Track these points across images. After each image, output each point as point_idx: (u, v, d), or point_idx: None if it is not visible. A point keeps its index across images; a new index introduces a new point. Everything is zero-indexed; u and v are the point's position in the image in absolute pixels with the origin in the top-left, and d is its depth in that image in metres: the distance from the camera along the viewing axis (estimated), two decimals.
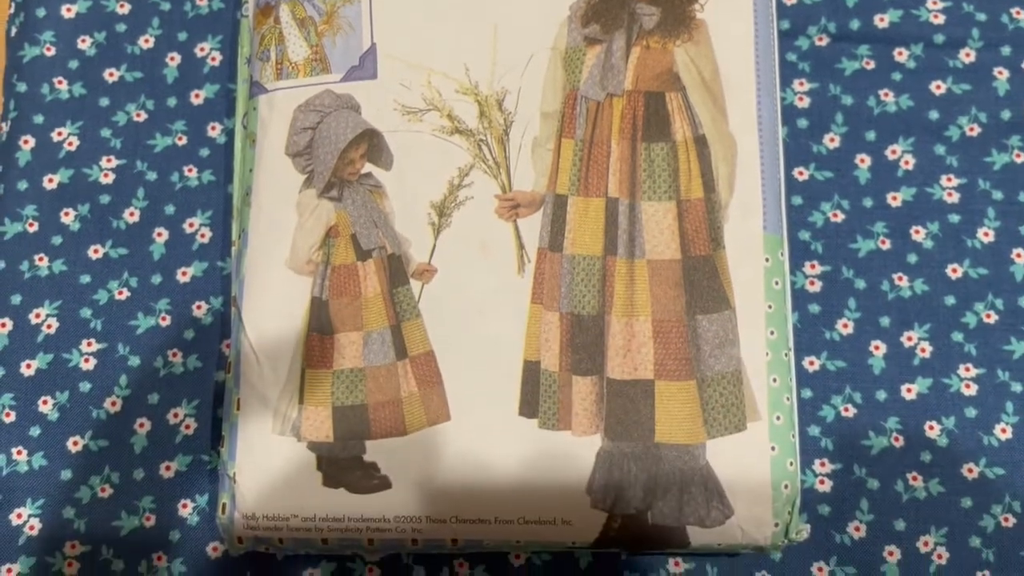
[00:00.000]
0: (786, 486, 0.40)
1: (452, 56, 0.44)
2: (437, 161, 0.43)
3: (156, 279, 0.47)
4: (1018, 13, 0.49)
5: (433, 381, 0.41)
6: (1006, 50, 0.48)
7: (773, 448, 0.40)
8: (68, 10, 0.50)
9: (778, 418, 0.41)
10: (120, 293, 0.47)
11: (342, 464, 0.40)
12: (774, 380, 0.41)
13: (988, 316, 0.45)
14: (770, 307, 0.41)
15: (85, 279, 0.47)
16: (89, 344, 0.46)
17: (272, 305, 0.42)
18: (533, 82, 0.43)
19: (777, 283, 0.42)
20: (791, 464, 0.40)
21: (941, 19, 0.49)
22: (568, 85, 0.43)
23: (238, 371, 0.42)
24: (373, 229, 0.42)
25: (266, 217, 0.43)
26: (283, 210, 0.43)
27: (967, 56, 0.48)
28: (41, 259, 0.46)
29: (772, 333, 0.41)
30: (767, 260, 0.42)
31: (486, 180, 0.43)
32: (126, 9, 0.50)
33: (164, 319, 0.46)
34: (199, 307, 0.46)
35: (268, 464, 0.41)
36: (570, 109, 0.43)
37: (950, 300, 0.46)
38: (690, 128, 0.43)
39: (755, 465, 0.40)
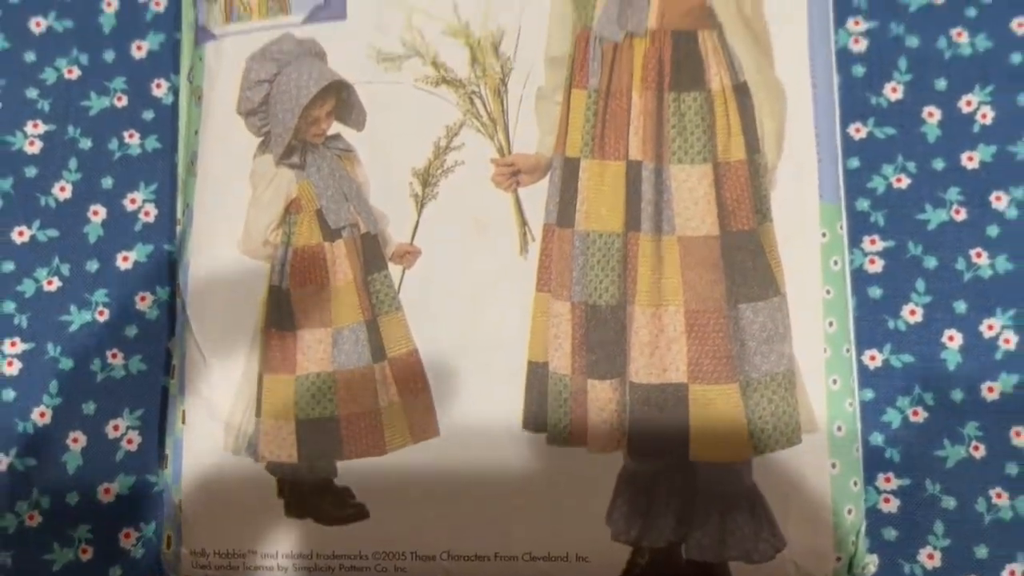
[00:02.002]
0: (850, 511, 0.33)
1: None
2: (420, 118, 0.36)
3: (92, 266, 0.40)
4: None
5: (418, 388, 0.34)
6: None
7: (834, 465, 0.34)
8: None
9: (839, 428, 0.34)
10: (49, 283, 0.40)
11: (309, 489, 0.34)
12: (834, 382, 0.34)
13: None
14: (828, 292, 0.34)
15: (8, 267, 0.40)
16: (13, 345, 0.39)
17: (222, 296, 0.36)
18: (536, 20, 0.37)
19: (836, 263, 0.35)
20: (855, 484, 0.34)
21: None
22: (579, 23, 0.36)
23: (183, 376, 0.35)
24: (343, 203, 0.35)
25: (214, 189, 0.36)
26: (234, 180, 0.36)
27: None
28: None
29: (831, 325, 0.34)
30: (824, 235, 0.35)
31: (480, 141, 0.36)
32: None
33: (101, 313, 0.39)
34: (143, 299, 0.39)
35: (220, 489, 0.35)
36: (582, 53, 0.36)
37: None
38: (728, 74, 0.35)
39: (812, 486, 0.33)
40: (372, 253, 0.35)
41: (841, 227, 0.36)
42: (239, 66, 0.36)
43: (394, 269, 0.35)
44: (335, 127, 0.36)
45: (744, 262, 0.34)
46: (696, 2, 0.36)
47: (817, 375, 0.34)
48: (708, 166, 0.35)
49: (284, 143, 0.36)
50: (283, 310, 0.35)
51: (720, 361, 0.34)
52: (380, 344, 0.35)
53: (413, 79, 0.36)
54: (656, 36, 0.36)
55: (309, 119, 0.36)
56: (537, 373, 0.34)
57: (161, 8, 0.42)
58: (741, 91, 0.35)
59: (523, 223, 0.35)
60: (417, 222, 0.35)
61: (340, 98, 0.36)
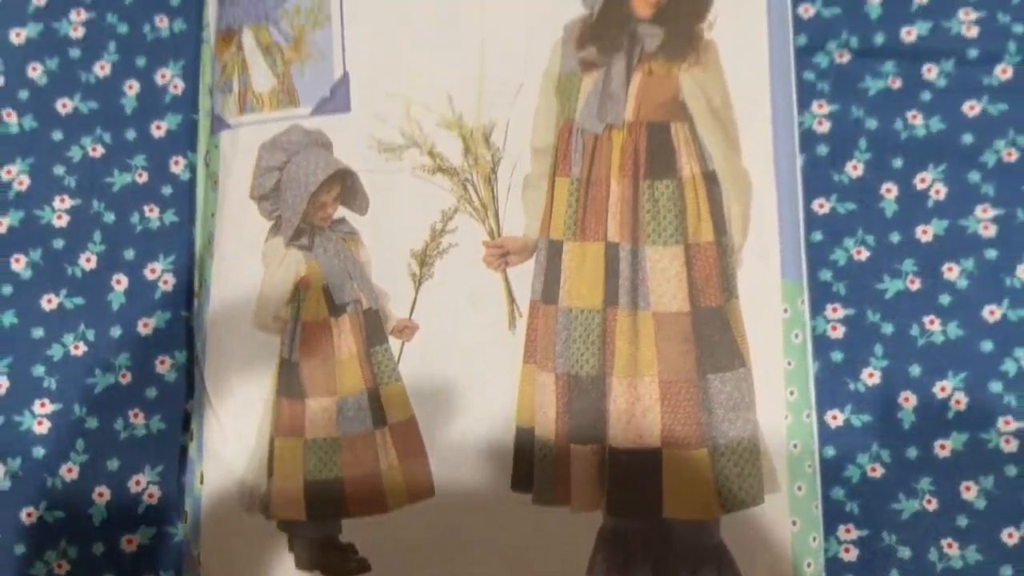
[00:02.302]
0: (809, 564, 0.36)
1: (434, 84, 0.39)
2: (418, 204, 0.39)
3: (115, 331, 0.43)
4: None
5: (415, 452, 0.37)
6: None
7: (794, 523, 0.36)
8: (17, 35, 0.46)
9: (799, 488, 0.37)
10: (76, 348, 0.43)
11: (316, 545, 0.37)
12: (795, 446, 0.37)
13: None
14: (790, 364, 0.37)
15: (38, 333, 0.43)
16: (43, 405, 0.42)
17: (237, 367, 0.38)
18: (523, 113, 0.39)
19: (797, 336, 0.38)
20: (814, 539, 0.37)
21: (974, 32, 0.44)
22: (562, 116, 0.39)
23: (201, 439, 0.38)
24: (347, 281, 0.38)
25: (229, 268, 0.39)
26: (248, 260, 0.39)
27: (1003, 73, 0.44)
28: None
29: (792, 393, 0.37)
30: (786, 310, 0.38)
31: (472, 224, 0.38)
32: (80, 33, 0.46)
33: (124, 376, 0.42)
34: (162, 362, 0.42)
35: (235, 543, 0.37)
36: (565, 143, 0.39)
37: (987, 346, 0.41)
38: (698, 163, 0.38)
39: (775, 542, 0.36)
40: (374, 328, 0.38)
41: (802, 302, 0.39)
42: (252, 154, 0.39)
43: (394, 342, 0.38)
44: (340, 211, 0.39)
45: (712, 336, 0.37)
46: (669, 96, 0.39)
47: (779, 440, 0.37)
48: (680, 247, 0.38)
49: (294, 226, 0.39)
50: (292, 379, 0.38)
51: (691, 428, 0.37)
52: (381, 412, 0.37)
53: (411, 167, 0.39)
54: (633, 128, 0.39)
55: (316, 204, 0.39)
56: (524, 438, 0.37)
57: (179, 91, 0.45)
58: (710, 179, 0.38)
59: (511, 300, 0.38)
60: (415, 299, 0.38)
61: (345, 185, 0.39)
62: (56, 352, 0.43)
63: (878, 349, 0.42)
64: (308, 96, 0.40)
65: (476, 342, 0.38)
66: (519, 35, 0.39)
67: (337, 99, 0.39)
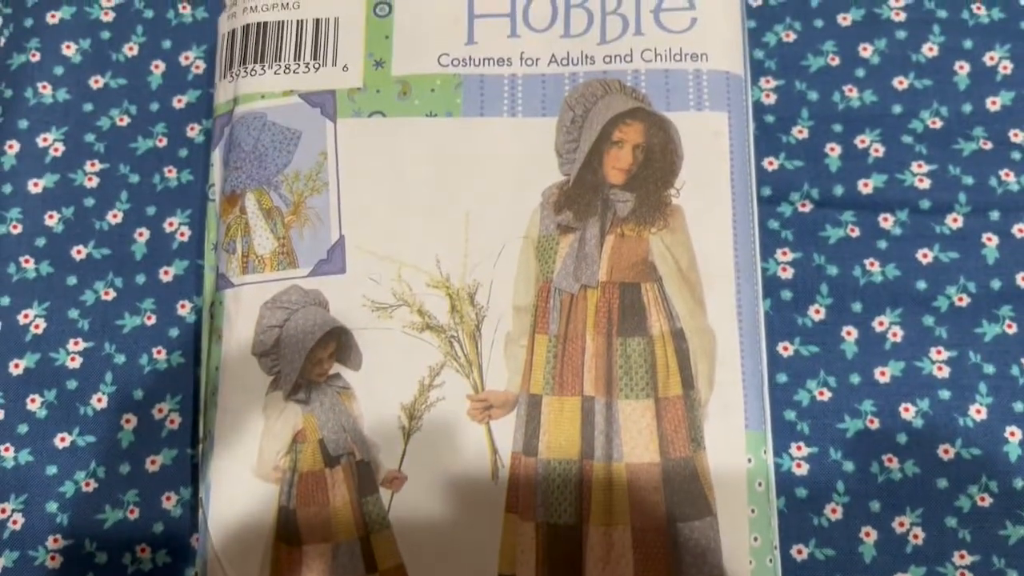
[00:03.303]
0: None
1: (423, 247, 0.43)
2: (407, 360, 0.41)
3: (124, 469, 0.45)
4: (1007, 175, 0.47)
5: None
6: (995, 215, 0.47)
7: None
8: (35, 184, 0.49)
9: None
10: (87, 485, 0.45)
11: None
12: None
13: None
14: (753, 511, 0.40)
15: (51, 471, 0.45)
16: (55, 540, 0.45)
17: (239, 513, 0.41)
18: (505, 273, 0.42)
19: (760, 484, 0.41)
20: None
21: (927, 183, 0.48)
22: (541, 277, 0.42)
23: None
24: (342, 434, 0.41)
25: (232, 420, 0.42)
26: (250, 413, 0.41)
27: (954, 222, 0.47)
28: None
29: (756, 540, 0.40)
30: (749, 460, 0.41)
31: (458, 379, 0.41)
32: (94, 183, 0.49)
33: (132, 512, 0.45)
34: (168, 498, 0.45)
35: None
36: (543, 302, 0.42)
37: (942, 483, 0.44)
38: (667, 321, 0.41)
39: None
40: (366, 478, 0.41)
41: (765, 452, 0.41)
42: (254, 312, 0.42)
43: (384, 492, 0.41)
44: (335, 367, 0.42)
45: (681, 486, 0.40)
46: (640, 258, 0.42)
47: None
48: (650, 401, 0.41)
49: (292, 381, 0.41)
50: (290, 527, 0.40)
51: (661, 574, 0.39)
52: (372, 558, 0.40)
53: (402, 325, 0.42)
54: (606, 288, 0.42)
55: (313, 360, 0.42)
56: None
57: (186, 238, 0.48)
58: (678, 336, 0.41)
59: (494, 451, 0.41)
60: (404, 451, 0.41)
61: (340, 342, 0.42)
62: (68, 489, 0.45)
63: (840, 486, 0.44)
64: (306, 258, 0.43)
65: (461, 493, 0.40)
66: (501, 201, 0.43)
67: (333, 261, 0.43)
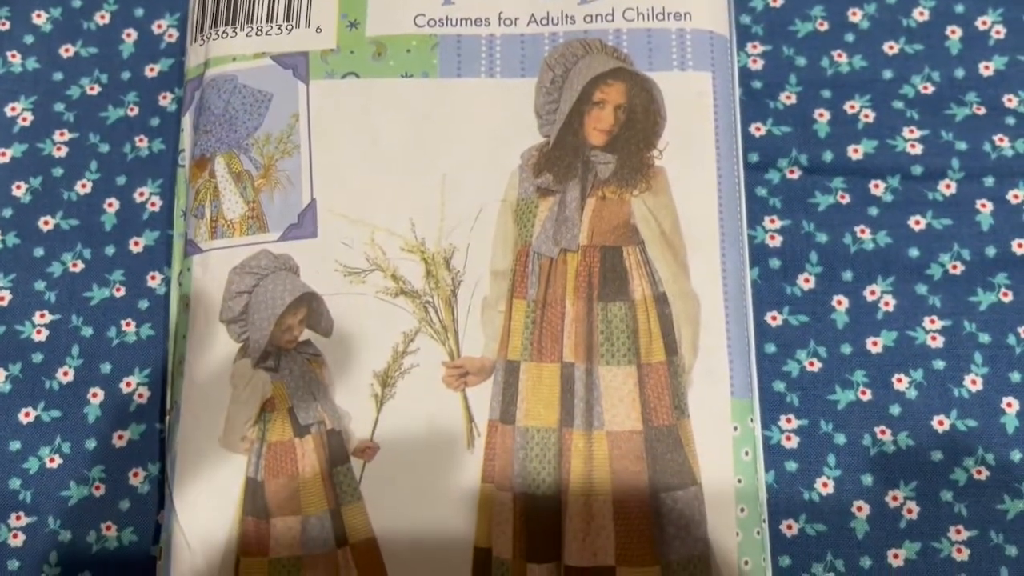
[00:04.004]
0: None
1: (397, 211, 0.41)
2: (380, 326, 0.40)
3: (90, 444, 0.44)
4: (1001, 140, 0.46)
5: (377, 572, 0.38)
6: (989, 181, 0.46)
7: None
8: (2, 155, 0.48)
9: None
10: (51, 461, 0.44)
11: None
12: (745, 562, 0.38)
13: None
14: (739, 481, 0.39)
15: (15, 446, 0.44)
16: (18, 518, 0.43)
17: (205, 487, 0.39)
18: (483, 237, 0.41)
19: (747, 454, 0.39)
20: None
21: (919, 149, 0.46)
22: (520, 240, 0.41)
23: (169, 559, 0.39)
24: (311, 402, 0.39)
25: (199, 390, 0.40)
26: (217, 382, 0.40)
27: (947, 188, 0.46)
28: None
29: (743, 511, 0.38)
30: (735, 428, 0.39)
31: (433, 346, 0.40)
32: (63, 152, 0.48)
33: (98, 488, 0.43)
34: (136, 474, 0.43)
35: None
36: (522, 267, 0.40)
37: (937, 456, 0.43)
38: (649, 286, 0.40)
39: None
40: (336, 448, 0.39)
41: (752, 420, 0.40)
42: (222, 278, 0.41)
43: (356, 462, 0.39)
44: (306, 334, 0.40)
45: (664, 455, 0.39)
46: (621, 221, 0.41)
47: (730, 557, 0.38)
48: (632, 367, 0.39)
49: (261, 348, 0.40)
50: (258, 499, 0.39)
51: (644, 546, 0.38)
52: (343, 531, 0.38)
53: (375, 291, 0.41)
54: (587, 252, 0.40)
55: (283, 327, 0.40)
56: (482, 558, 0.38)
57: (157, 208, 0.47)
58: (661, 301, 0.40)
59: (470, 420, 0.39)
60: (376, 419, 0.39)
61: (310, 308, 0.41)
62: (32, 465, 0.44)
63: (831, 459, 0.43)
64: (277, 222, 0.41)
65: (435, 462, 0.39)
66: (479, 163, 0.41)
67: (304, 225, 0.41)
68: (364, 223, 0.41)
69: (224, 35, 0.44)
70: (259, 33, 0.43)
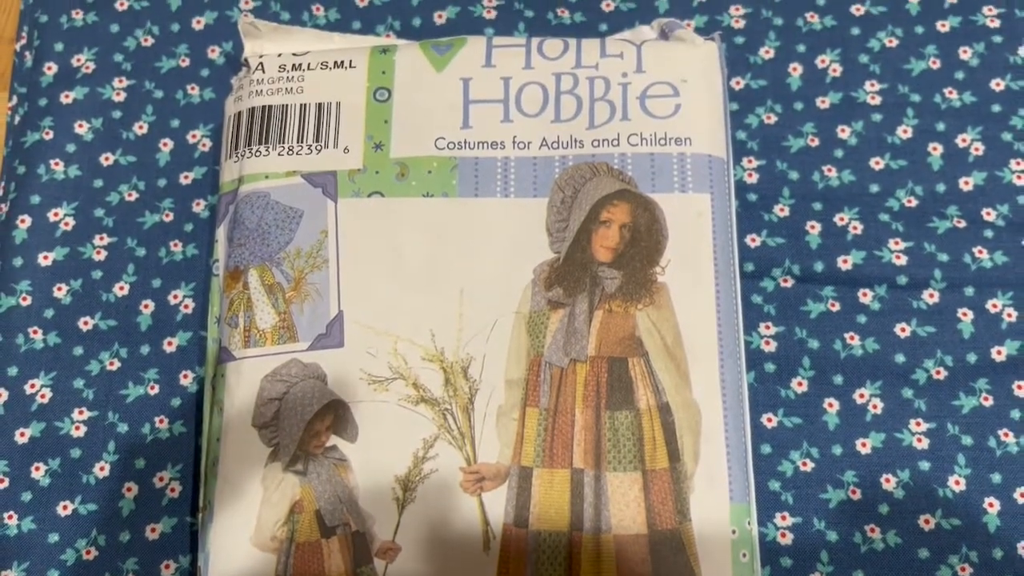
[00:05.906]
0: None
1: (418, 322, 0.44)
2: (402, 432, 0.43)
3: (125, 536, 0.46)
4: (980, 252, 0.49)
5: None
6: (969, 291, 0.49)
7: None
8: (45, 258, 0.51)
9: None
10: (88, 553, 0.46)
11: None
12: None
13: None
14: None
15: (53, 538, 0.46)
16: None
17: None
18: (498, 348, 0.44)
19: (744, 555, 0.42)
20: None
21: (904, 260, 0.49)
22: (532, 351, 0.44)
23: None
24: (338, 505, 0.42)
25: (232, 490, 0.43)
26: (249, 483, 0.43)
27: (931, 297, 0.49)
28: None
29: None
30: (734, 532, 0.42)
31: (451, 451, 0.43)
32: (102, 256, 0.51)
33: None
34: (167, 566, 0.46)
35: None
36: (534, 376, 0.43)
37: (924, 553, 0.45)
38: (654, 396, 0.43)
39: None
40: (361, 549, 0.42)
41: (749, 523, 0.43)
42: (255, 385, 0.44)
43: (379, 563, 0.42)
44: (332, 439, 0.43)
45: (668, 557, 0.41)
46: (626, 333, 0.44)
47: None
48: (638, 473, 0.42)
49: (290, 453, 0.43)
50: None
51: None
52: None
53: (397, 398, 0.43)
54: (594, 362, 0.43)
55: (311, 432, 0.43)
56: None
57: (189, 310, 0.50)
58: (664, 410, 0.43)
59: (486, 523, 0.42)
60: (398, 522, 0.42)
61: (337, 415, 0.43)
62: (69, 557, 0.46)
63: (824, 556, 0.46)
64: (306, 332, 0.44)
65: (454, 563, 0.41)
66: (495, 278, 0.44)
67: (332, 335, 0.44)
68: (388, 333, 0.44)
69: (257, 153, 0.47)
70: (291, 152, 0.47)
